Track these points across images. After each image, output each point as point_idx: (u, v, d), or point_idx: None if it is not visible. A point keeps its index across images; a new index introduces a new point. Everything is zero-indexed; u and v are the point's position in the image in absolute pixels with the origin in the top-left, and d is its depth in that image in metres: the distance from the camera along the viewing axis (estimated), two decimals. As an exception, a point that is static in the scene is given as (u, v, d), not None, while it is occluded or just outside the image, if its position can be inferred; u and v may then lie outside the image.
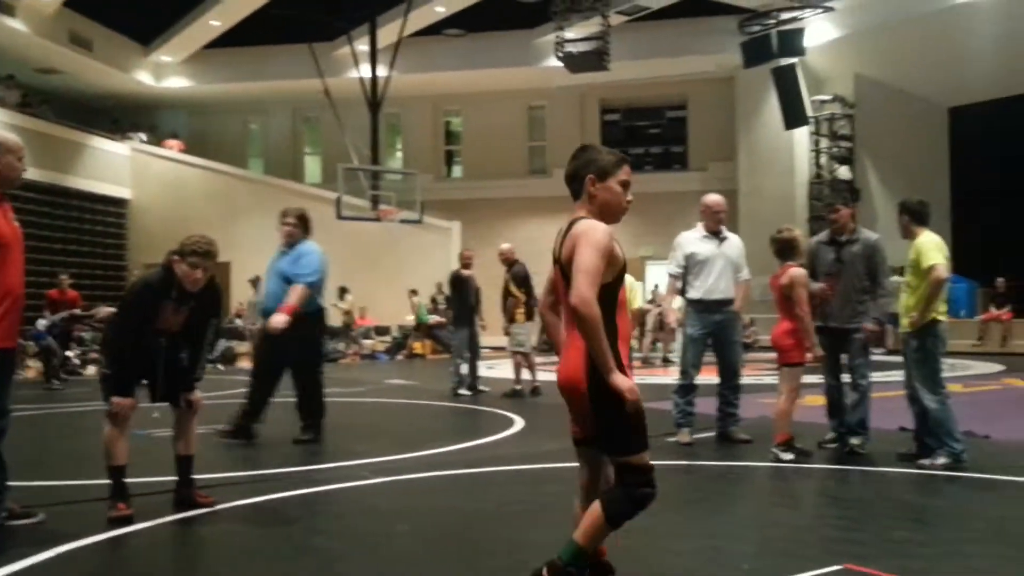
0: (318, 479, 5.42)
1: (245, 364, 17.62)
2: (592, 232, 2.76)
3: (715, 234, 6.74)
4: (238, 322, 19.54)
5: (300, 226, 7.06)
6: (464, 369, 10.91)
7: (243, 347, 18.49)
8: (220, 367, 17.79)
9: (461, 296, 10.92)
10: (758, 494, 5.30)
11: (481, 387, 10.96)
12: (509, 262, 10.57)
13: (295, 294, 6.66)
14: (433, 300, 20.72)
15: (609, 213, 2.91)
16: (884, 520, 4.30)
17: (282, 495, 4.98)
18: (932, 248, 5.53)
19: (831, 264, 6.16)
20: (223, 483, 5.28)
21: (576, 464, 3.10)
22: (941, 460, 5.43)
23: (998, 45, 18.13)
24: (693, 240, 6.76)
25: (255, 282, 16.41)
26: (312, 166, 27.12)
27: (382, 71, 20.34)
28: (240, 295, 19.57)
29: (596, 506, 2.77)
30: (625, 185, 2.93)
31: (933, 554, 3.68)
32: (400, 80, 21.20)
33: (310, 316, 6.82)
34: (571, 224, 2.87)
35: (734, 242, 6.84)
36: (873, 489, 5.21)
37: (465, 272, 10.91)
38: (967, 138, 21.75)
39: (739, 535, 4.12)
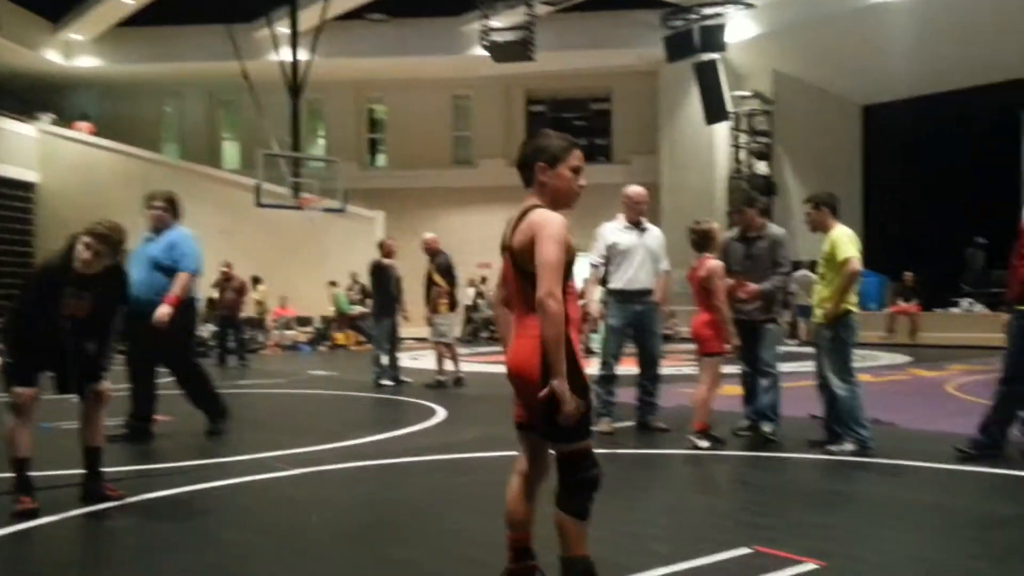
0: (232, 471, 5.30)
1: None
2: (549, 225, 2.72)
3: (636, 225, 6.81)
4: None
5: (170, 210, 6.74)
6: (385, 360, 10.81)
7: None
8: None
9: (382, 286, 10.80)
10: (675, 480, 5.38)
11: (403, 378, 10.89)
12: (433, 251, 10.49)
13: (180, 282, 6.34)
14: (363, 291, 20.42)
15: (561, 200, 2.88)
16: (793, 504, 4.42)
17: (194, 488, 4.86)
18: (847, 241, 5.70)
19: (742, 260, 6.34)
20: (133, 476, 5.14)
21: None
22: (848, 447, 5.61)
23: (912, 45, 18.75)
24: (614, 231, 6.81)
25: None
26: (230, 151, 26.47)
27: (303, 55, 19.95)
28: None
29: (559, 517, 2.76)
30: (576, 171, 2.89)
31: (840, 537, 3.79)
32: (322, 65, 20.81)
33: (180, 306, 6.41)
34: (524, 212, 2.84)
35: (654, 233, 6.93)
36: (784, 475, 5.35)
37: (386, 261, 10.79)
38: (880, 135, 22.47)
39: (655, 520, 4.18)
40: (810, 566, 3.32)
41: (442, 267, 10.40)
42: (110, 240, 4.33)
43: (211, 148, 25.92)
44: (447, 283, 10.37)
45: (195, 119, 26.19)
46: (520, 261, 2.78)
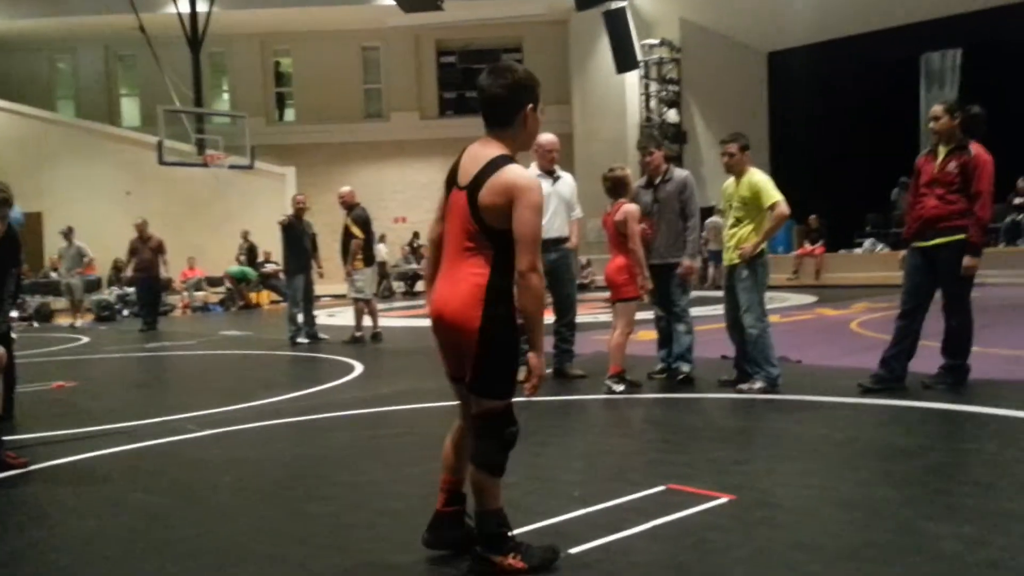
0: (140, 435, 5.15)
1: (62, 320, 16.56)
2: (531, 191, 2.62)
3: (549, 173, 6.79)
4: (53, 275, 18.25)
5: None
6: (301, 318, 10.65)
7: (59, 303, 17.33)
8: (35, 324, 16.64)
9: (294, 243, 10.61)
10: (590, 425, 5.45)
11: (321, 335, 10.75)
12: (349, 205, 10.33)
13: None
14: (250, 251, 19.97)
15: (529, 143, 2.83)
16: (706, 443, 4.52)
17: (101, 452, 4.72)
18: (771, 186, 5.85)
19: (649, 205, 6.41)
20: (37, 443, 4.98)
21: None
22: (759, 384, 5.76)
23: (813, -8, 19.11)
24: None
25: (67, 233, 15.33)
26: (129, 108, 25.39)
27: (202, 6, 19.18)
28: (53, 247, 18.26)
29: (473, 472, 2.75)
30: None
31: (750, 471, 3.90)
32: (224, 16, 20.07)
33: None
34: (493, 163, 2.68)
35: (567, 181, 6.93)
36: (697, 414, 5.47)
37: (296, 218, 10.65)
38: (785, 81, 22.89)
39: (570, 465, 4.22)
40: (722, 500, 3.41)
41: (359, 220, 10.25)
42: (8, 201, 4.13)
43: (109, 105, 24.81)
44: (364, 236, 10.23)
45: (91, 75, 24.96)
46: (484, 215, 2.66)
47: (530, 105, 2.75)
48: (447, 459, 2.95)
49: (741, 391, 5.78)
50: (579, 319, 7.19)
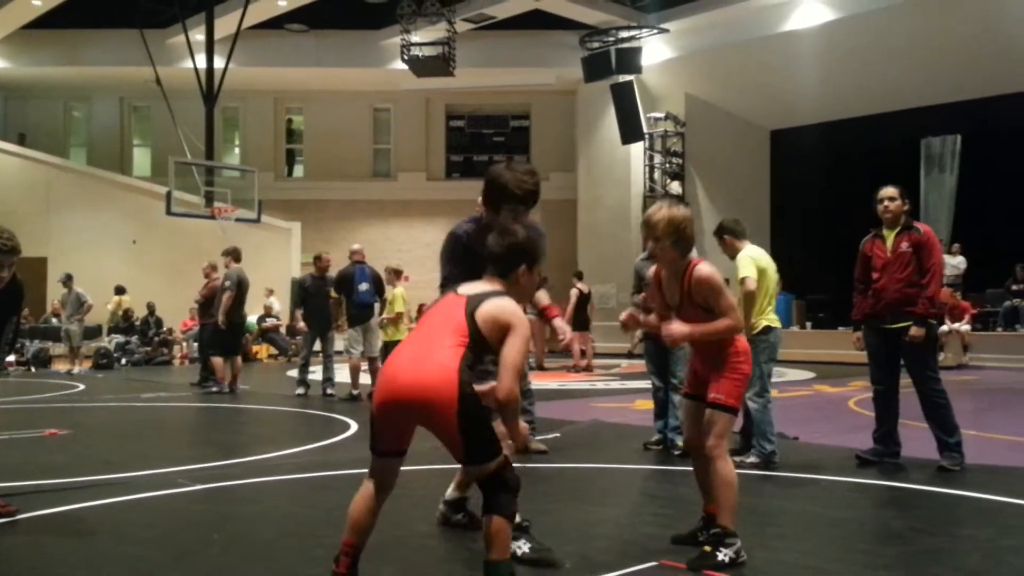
0: (132, 487, 5.12)
1: (61, 367, 16.52)
2: (525, 328, 3.01)
3: None
4: (54, 321, 18.28)
5: None
6: (305, 373, 11.05)
7: (58, 348, 17.32)
8: (32, 369, 16.61)
9: (308, 300, 11.14)
10: (584, 496, 5.41)
11: (330, 391, 10.74)
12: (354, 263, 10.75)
13: None
14: (266, 308, 20.03)
15: (521, 298, 3.20)
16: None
17: (90, 504, 4.68)
18: (746, 262, 5.93)
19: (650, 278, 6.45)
20: (26, 491, 4.93)
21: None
22: (751, 459, 5.76)
23: (818, 73, 19.48)
24: None
25: (66, 280, 15.45)
26: (141, 158, 25.67)
27: (219, 63, 19.56)
28: (56, 292, 18.31)
29: (493, 521, 2.93)
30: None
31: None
32: (239, 73, 20.45)
33: None
34: (497, 291, 3.10)
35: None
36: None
37: (312, 275, 11.34)
38: (787, 159, 23.21)
39: (564, 536, 4.19)
40: (713, 577, 3.39)
41: (335, 281, 10.82)
42: (16, 251, 4.20)
43: (121, 155, 25.11)
44: (337, 296, 10.82)
45: (104, 124, 25.31)
46: (479, 324, 2.98)
47: (524, 266, 3.17)
48: (361, 523, 3.10)
49: (734, 462, 5.75)
50: (575, 386, 7.19)
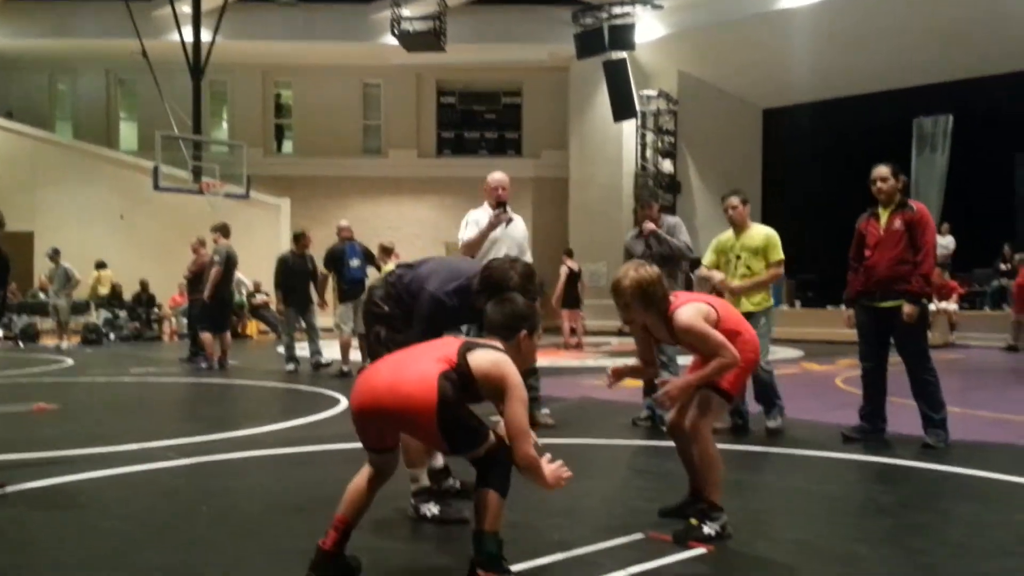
0: (117, 461, 5.10)
1: (49, 342, 16.45)
2: (520, 389, 2.94)
3: (503, 207, 6.51)
4: (42, 296, 18.17)
5: None
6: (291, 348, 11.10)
7: (47, 323, 17.24)
8: (21, 344, 16.54)
9: (287, 277, 11.11)
10: (572, 470, 5.41)
11: (323, 360, 11.05)
12: (343, 240, 10.78)
13: None
14: (256, 284, 19.91)
15: (522, 364, 3.10)
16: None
17: (75, 477, 4.66)
18: (779, 243, 6.25)
19: (643, 255, 6.46)
20: (12, 465, 4.91)
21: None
22: (778, 420, 6.21)
23: (811, 52, 19.42)
24: (482, 218, 6.49)
25: (53, 255, 15.36)
26: (128, 132, 25.46)
27: (206, 36, 19.33)
28: (43, 267, 18.21)
29: (484, 493, 2.93)
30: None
31: (729, 522, 3.88)
32: (226, 46, 20.23)
33: None
34: (495, 346, 3.07)
35: (518, 224, 6.62)
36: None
37: (291, 253, 11.33)
38: (779, 138, 23.20)
39: (550, 509, 4.19)
40: (700, 551, 3.40)
41: (325, 257, 10.79)
42: (0, 224, 4.15)
43: (107, 129, 24.89)
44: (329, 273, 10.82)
45: (91, 98, 25.07)
46: (468, 367, 2.92)
47: (524, 332, 3.14)
48: (357, 502, 3.10)
49: (768, 429, 6.19)
50: (565, 364, 7.19)
